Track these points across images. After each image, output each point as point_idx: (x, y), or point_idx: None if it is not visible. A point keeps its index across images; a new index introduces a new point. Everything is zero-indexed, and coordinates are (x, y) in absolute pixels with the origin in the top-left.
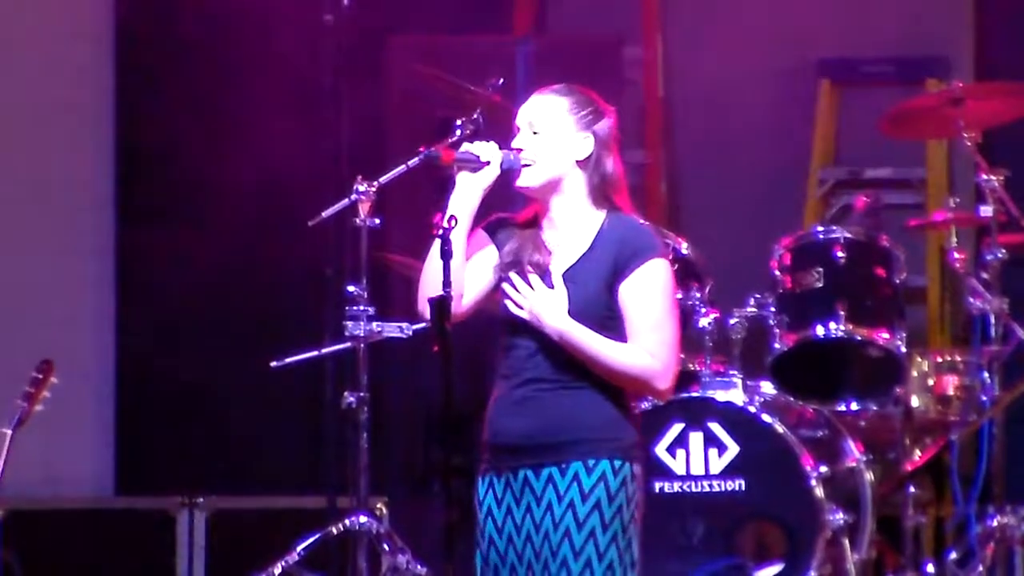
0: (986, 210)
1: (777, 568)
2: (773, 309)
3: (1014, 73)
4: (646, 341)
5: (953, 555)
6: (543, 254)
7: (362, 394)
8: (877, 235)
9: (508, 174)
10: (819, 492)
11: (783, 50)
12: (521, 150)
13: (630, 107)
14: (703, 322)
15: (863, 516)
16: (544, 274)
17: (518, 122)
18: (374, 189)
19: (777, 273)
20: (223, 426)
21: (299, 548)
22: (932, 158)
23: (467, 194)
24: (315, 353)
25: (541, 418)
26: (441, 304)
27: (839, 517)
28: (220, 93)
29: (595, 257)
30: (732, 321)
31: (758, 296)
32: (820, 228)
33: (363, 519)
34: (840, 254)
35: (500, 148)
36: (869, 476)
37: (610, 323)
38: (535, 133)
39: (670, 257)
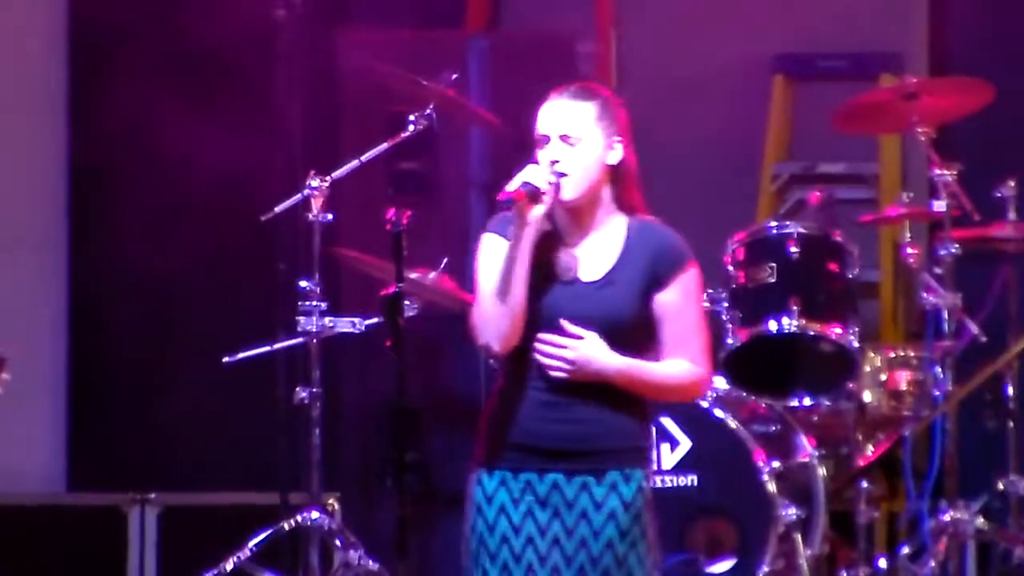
0: (939, 205)
1: (729, 563)
2: (726, 304)
3: (968, 68)
4: (687, 348)
5: (906, 550)
6: (571, 263)
7: (314, 389)
8: (830, 230)
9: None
10: (771, 487)
11: (737, 45)
12: (556, 162)
13: None
14: None
15: (815, 511)
16: (573, 282)
17: (544, 131)
18: (327, 184)
19: (730, 268)
20: (175, 422)
21: (251, 544)
22: (886, 153)
23: (531, 225)
24: (267, 348)
25: (577, 424)
26: (395, 300)
27: (791, 512)
28: (172, 88)
29: (628, 264)
30: None
31: (711, 291)
32: (773, 223)
33: (315, 515)
34: (793, 249)
35: (537, 166)
36: (821, 471)
37: (640, 329)
38: (570, 144)
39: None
